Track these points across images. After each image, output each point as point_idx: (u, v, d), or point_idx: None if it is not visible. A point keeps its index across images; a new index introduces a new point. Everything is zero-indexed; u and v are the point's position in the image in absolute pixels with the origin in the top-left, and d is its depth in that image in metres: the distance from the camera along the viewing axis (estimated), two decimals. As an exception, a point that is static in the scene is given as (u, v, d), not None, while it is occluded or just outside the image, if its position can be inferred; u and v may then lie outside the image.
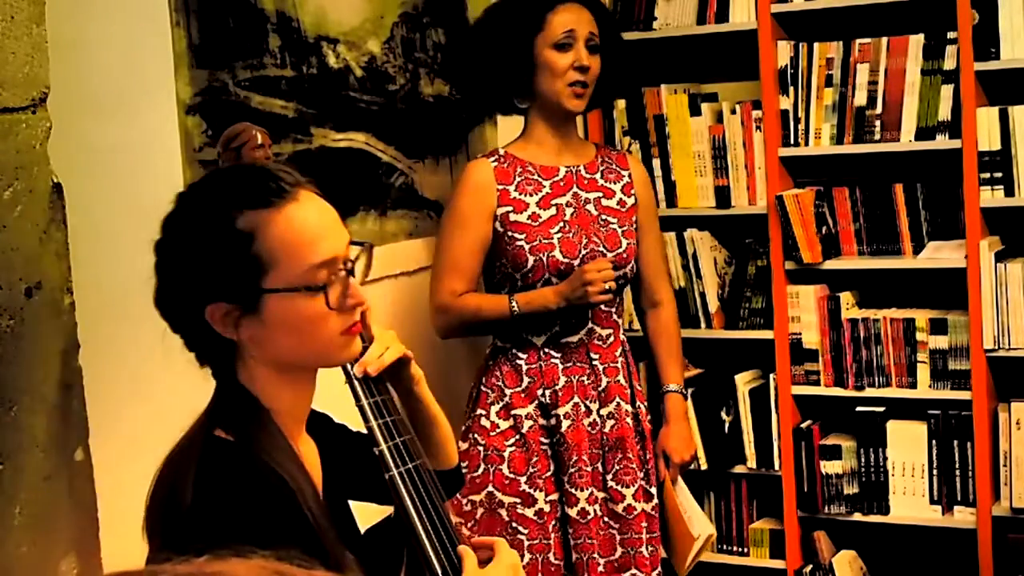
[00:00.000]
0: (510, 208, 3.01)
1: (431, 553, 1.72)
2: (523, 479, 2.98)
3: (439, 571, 1.71)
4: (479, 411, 3.03)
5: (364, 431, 1.84)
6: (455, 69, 3.22)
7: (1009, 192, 3.34)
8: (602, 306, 3.03)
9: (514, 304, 2.95)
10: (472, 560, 1.72)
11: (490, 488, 2.98)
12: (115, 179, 2.40)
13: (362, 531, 1.84)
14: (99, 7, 2.37)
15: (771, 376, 3.68)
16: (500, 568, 1.73)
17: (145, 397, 2.42)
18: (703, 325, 3.76)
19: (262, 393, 1.64)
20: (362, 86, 3.10)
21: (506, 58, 3.02)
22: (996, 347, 3.37)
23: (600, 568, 3.01)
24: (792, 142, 3.60)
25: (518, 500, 2.97)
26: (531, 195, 3.03)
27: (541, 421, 3.01)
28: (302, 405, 1.70)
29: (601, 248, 3.03)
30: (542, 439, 3.00)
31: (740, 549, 3.80)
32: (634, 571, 3.03)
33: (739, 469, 3.75)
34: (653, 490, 3.10)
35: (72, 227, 2.17)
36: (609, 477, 3.03)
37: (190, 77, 2.58)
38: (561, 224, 3.02)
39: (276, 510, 1.55)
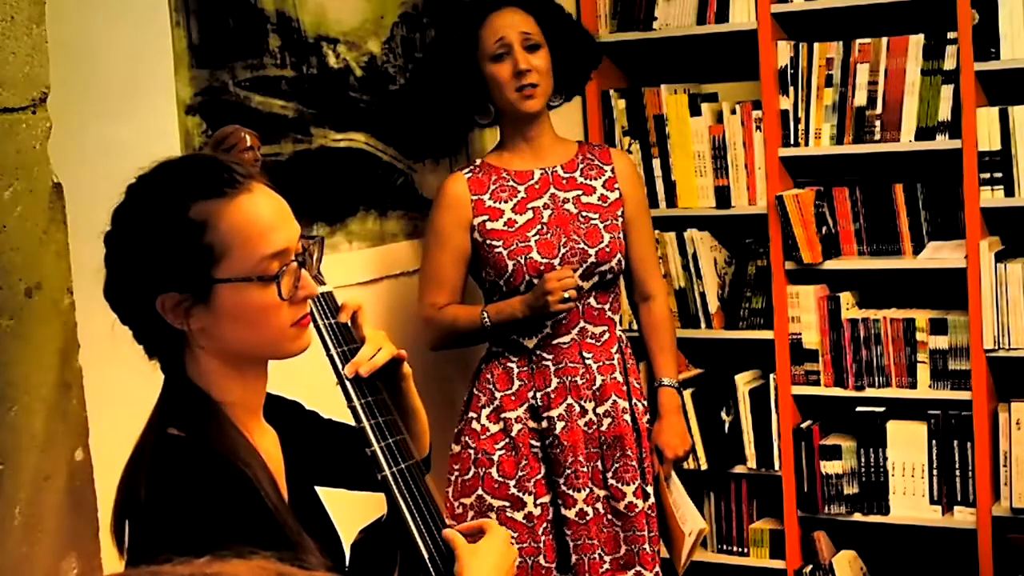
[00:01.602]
0: (486, 217, 3.02)
1: (425, 553, 1.72)
2: (512, 483, 2.97)
3: (433, 571, 1.71)
4: (470, 414, 3.03)
5: (336, 419, 1.85)
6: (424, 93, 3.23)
7: (1009, 192, 3.34)
8: (593, 302, 3.02)
9: (485, 316, 2.97)
10: (460, 539, 1.72)
11: (480, 491, 2.98)
12: (115, 179, 2.39)
13: (358, 531, 1.84)
14: (99, 7, 2.37)
15: (771, 376, 3.68)
16: (492, 542, 1.74)
17: (145, 397, 2.42)
18: (703, 325, 3.76)
19: (212, 386, 1.64)
20: (362, 86, 3.10)
21: (457, 83, 3.06)
22: (996, 347, 3.37)
23: (606, 566, 3.00)
24: (792, 142, 3.60)
25: (507, 504, 2.96)
26: (506, 202, 3.03)
27: (531, 424, 3.00)
28: (254, 396, 1.70)
29: (582, 245, 3.01)
30: (532, 442, 3.00)
31: (740, 549, 3.80)
32: (638, 568, 3.02)
33: (739, 469, 3.75)
34: (649, 489, 3.08)
35: (72, 227, 2.17)
36: (609, 475, 3.03)
37: (190, 77, 2.58)
38: (539, 227, 3.01)
39: (230, 500, 1.55)
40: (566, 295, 2.87)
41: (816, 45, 3.55)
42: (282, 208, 1.64)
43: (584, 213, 3.06)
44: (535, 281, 2.96)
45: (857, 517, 3.61)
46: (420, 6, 3.30)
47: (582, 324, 3.03)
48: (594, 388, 3.03)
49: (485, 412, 3.01)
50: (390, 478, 1.74)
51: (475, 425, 3.01)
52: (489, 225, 3.01)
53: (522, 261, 2.98)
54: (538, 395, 3.00)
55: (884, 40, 3.48)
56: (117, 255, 1.64)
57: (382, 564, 1.76)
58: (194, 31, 2.59)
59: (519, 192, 3.05)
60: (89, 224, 2.27)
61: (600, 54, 3.32)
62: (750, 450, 3.72)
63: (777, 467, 3.68)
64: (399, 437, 1.79)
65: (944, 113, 3.41)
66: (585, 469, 2.99)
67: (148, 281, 1.60)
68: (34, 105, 2.10)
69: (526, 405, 3.01)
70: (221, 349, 1.63)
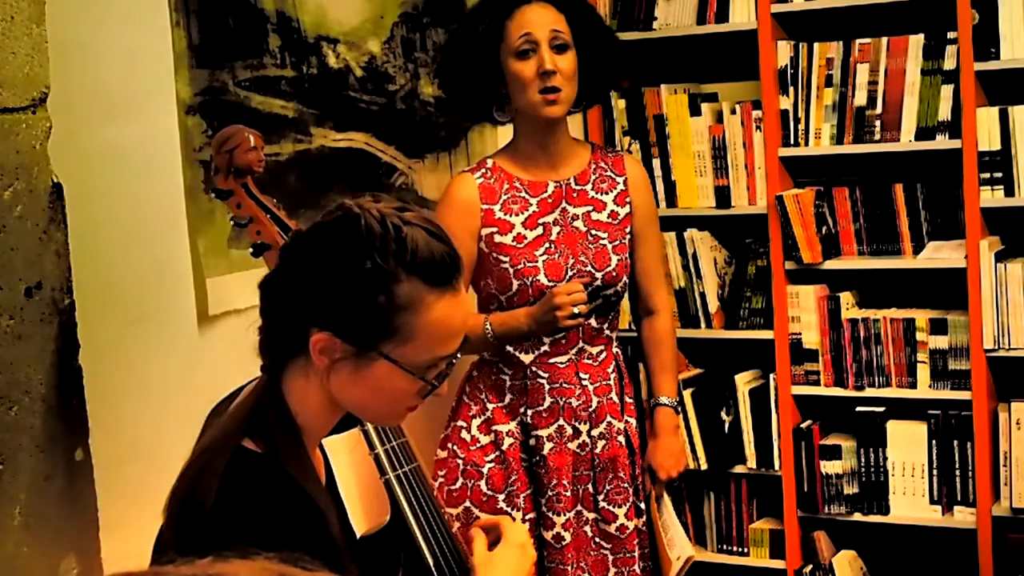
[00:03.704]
0: (495, 229, 2.90)
1: (428, 555, 1.72)
2: (501, 497, 2.90)
3: (436, 572, 1.72)
4: (460, 422, 2.94)
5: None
6: (439, 83, 3.09)
7: (1009, 192, 3.34)
8: (592, 323, 2.92)
9: (488, 328, 2.87)
10: (482, 543, 1.71)
11: (467, 504, 2.90)
12: (115, 179, 2.40)
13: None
14: (99, 7, 2.37)
15: (771, 376, 3.68)
16: (509, 549, 1.72)
17: (145, 397, 2.43)
18: (703, 325, 3.76)
19: (301, 411, 1.62)
20: (362, 86, 3.10)
21: (475, 75, 2.90)
22: (996, 347, 3.37)
23: None
24: (792, 142, 3.60)
25: None
26: (516, 215, 2.91)
27: (522, 439, 2.93)
28: (325, 430, 1.70)
29: (589, 267, 2.91)
30: (522, 456, 2.92)
31: (740, 549, 3.80)
32: None
33: (739, 469, 3.75)
34: (642, 505, 3.01)
35: (72, 227, 2.16)
36: (601, 498, 2.95)
37: (190, 77, 2.58)
38: (547, 245, 2.90)
39: (301, 525, 1.53)
40: (576, 310, 2.79)
41: (816, 45, 3.55)
42: (466, 316, 1.65)
43: (593, 232, 2.94)
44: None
45: (857, 517, 3.61)
46: (420, 6, 3.30)
47: (581, 345, 2.94)
48: (589, 410, 2.94)
49: (476, 423, 2.93)
50: (393, 480, 1.75)
51: (464, 435, 2.93)
52: (497, 239, 2.89)
53: (528, 282, 2.87)
54: (529, 412, 2.91)
55: (884, 40, 3.48)
56: (300, 270, 1.60)
57: (386, 565, 1.76)
58: (194, 31, 2.59)
59: (531, 205, 2.92)
60: (89, 224, 2.28)
61: (629, 64, 3.18)
62: (750, 450, 3.72)
63: (777, 467, 3.67)
64: (402, 440, 1.80)
65: (944, 113, 3.41)
66: (568, 493, 2.91)
67: (319, 313, 1.57)
68: (34, 105, 2.10)
69: (517, 419, 2.92)
70: (333, 392, 1.61)
